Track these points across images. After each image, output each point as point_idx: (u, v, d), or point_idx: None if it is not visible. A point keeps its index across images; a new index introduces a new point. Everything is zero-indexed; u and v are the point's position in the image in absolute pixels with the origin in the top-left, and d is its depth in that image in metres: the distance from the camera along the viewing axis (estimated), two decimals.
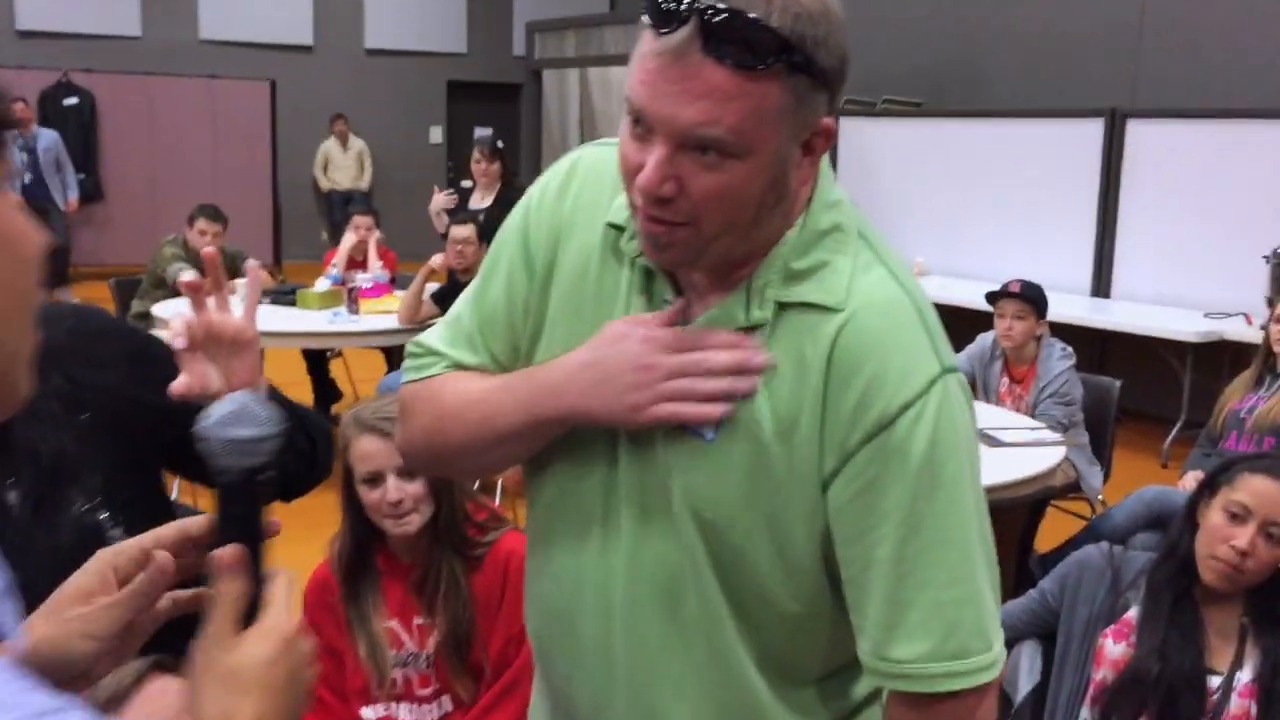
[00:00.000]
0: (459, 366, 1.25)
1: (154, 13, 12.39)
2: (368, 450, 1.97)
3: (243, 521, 0.87)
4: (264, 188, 12.46)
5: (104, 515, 1.36)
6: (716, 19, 1.00)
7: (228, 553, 0.86)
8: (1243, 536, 2.03)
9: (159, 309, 5.62)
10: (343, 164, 12.52)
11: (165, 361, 1.47)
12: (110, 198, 11.92)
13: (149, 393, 1.42)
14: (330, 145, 12.54)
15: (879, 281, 1.14)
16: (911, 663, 1.12)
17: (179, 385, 1.29)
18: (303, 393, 6.37)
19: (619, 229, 1.19)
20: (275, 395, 1.41)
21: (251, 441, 0.85)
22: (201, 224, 6.07)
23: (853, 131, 8.38)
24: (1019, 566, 3.33)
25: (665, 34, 1.02)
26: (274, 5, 12.88)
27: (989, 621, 1.14)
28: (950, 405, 1.11)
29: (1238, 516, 2.05)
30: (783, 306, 1.13)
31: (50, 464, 1.34)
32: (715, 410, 1.11)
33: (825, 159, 1.15)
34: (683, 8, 1.01)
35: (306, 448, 1.47)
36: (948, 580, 1.11)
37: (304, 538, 2.40)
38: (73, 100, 11.62)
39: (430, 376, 1.26)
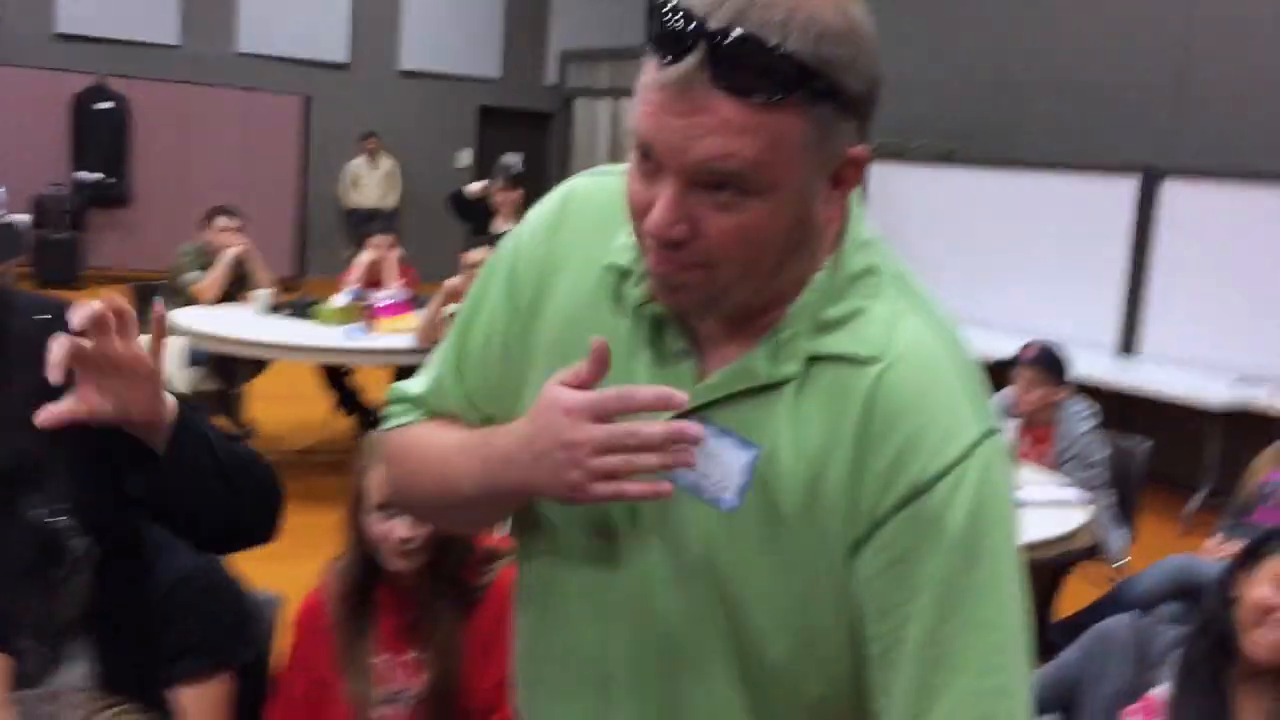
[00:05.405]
0: (435, 415, 1.18)
1: (193, 23, 12.42)
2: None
3: None
4: (291, 202, 12.49)
5: (66, 522, 1.29)
6: (726, 45, 0.90)
7: None
8: None
9: (175, 316, 5.59)
10: (370, 182, 12.51)
11: None
12: (138, 203, 11.96)
13: None
14: (359, 163, 12.53)
15: (918, 331, 1.03)
16: None
17: (57, 410, 1.20)
18: (323, 406, 6.33)
19: (622, 272, 1.08)
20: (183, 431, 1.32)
21: None
22: (222, 221, 6.07)
23: (883, 176, 8.30)
24: (1038, 632, 3.21)
25: (670, 63, 0.92)
26: (311, 22, 12.90)
27: (1021, 715, 1.02)
28: (993, 472, 1.00)
29: None
30: (813, 360, 1.03)
31: (9, 467, 1.27)
32: (663, 487, 0.99)
33: (855, 194, 1.05)
34: (688, 31, 0.91)
35: (223, 495, 1.36)
36: (984, 668, 0.99)
37: (300, 555, 2.31)
38: (106, 104, 11.68)
39: (404, 425, 1.19)
